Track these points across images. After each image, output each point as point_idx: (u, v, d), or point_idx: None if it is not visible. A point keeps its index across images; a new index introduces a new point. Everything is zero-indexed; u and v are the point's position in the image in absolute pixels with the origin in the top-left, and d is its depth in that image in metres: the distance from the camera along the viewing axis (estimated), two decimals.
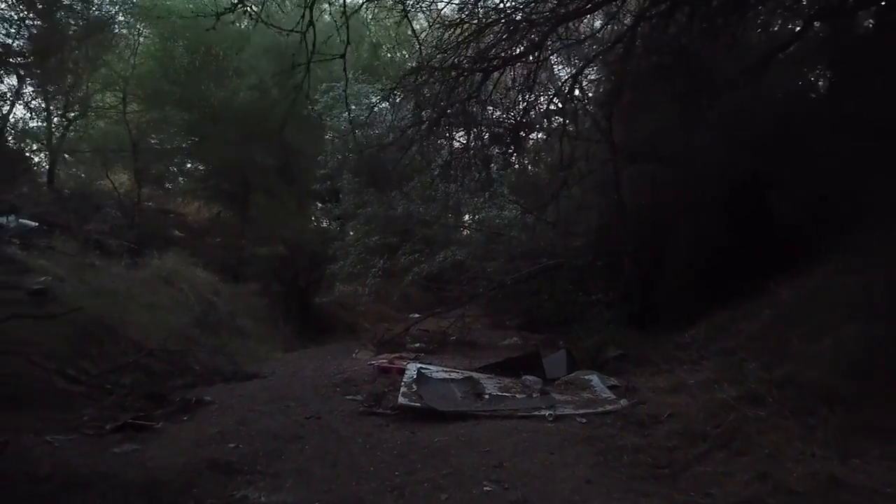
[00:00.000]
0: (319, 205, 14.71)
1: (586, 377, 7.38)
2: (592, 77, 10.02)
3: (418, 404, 6.03)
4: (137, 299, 9.67)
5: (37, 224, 10.62)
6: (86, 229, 11.39)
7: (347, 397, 7.01)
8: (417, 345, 11.25)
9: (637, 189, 9.09)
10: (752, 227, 7.88)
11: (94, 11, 13.21)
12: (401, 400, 6.10)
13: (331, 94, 11.19)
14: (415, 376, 6.89)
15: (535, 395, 6.64)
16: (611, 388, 7.01)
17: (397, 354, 10.13)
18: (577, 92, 8.69)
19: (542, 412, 6.01)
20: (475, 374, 7.41)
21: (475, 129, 8.93)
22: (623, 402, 6.19)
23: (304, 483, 4.23)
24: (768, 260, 7.60)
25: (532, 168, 14.12)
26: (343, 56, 4.88)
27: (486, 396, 6.52)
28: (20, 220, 10.53)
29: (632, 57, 7.43)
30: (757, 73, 7.33)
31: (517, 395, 6.65)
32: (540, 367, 7.54)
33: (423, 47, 7.97)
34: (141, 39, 14.58)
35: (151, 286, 10.37)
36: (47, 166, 14.31)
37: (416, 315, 15.94)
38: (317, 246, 13.24)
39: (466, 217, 12.71)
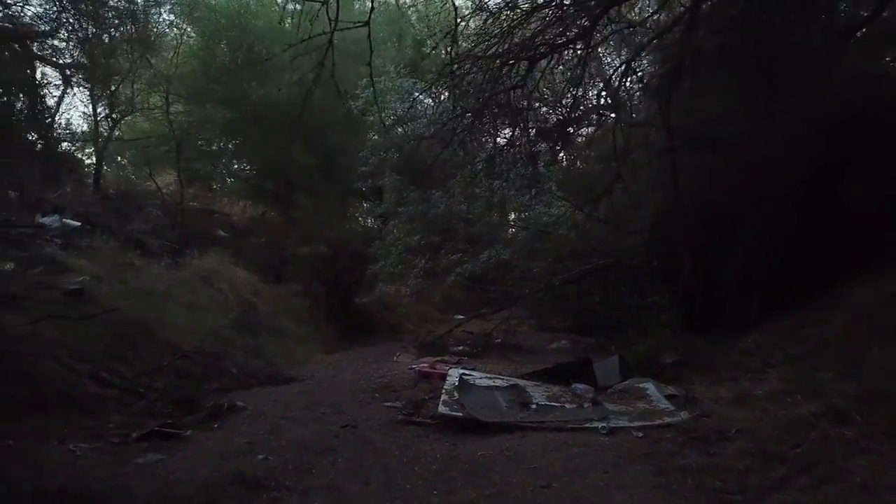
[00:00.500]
0: (365, 204, 14.44)
1: (641, 385, 6.88)
2: (645, 64, 9.42)
3: (460, 414, 5.66)
4: (176, 300, 9.59)
5: (79, 224, 10.66)
6: (128, 229, 11.41)
7: (386, 404, 6.70)
8: (460, 348, 10.88)
9: (696, 182, 8.50)
10: (822, 222, 7.22)
11: (139, 12, 13.30)
12: (441, 409, 5.74)
13: (371, 89, 10.89)
14: (457, 383, 6.52)
15: (586, 405, 6.19)
16: (668, 397, 6.49)
17: (439, 358, 9.79)
18: (630, 80, 8.15)
19: (595, 424, 5.56)
20: (521, 382, 6.99)
21: (520, 124, 8.49)
22: (683, 414, 5.67)
23: (334, 501, 3.91)
24: (840, 258, 6.98)
25: (581, 163, 13.52)
26: (367, 23, 4.49)
27: (533, 406, 6.11)
28: (63, 220, 10.58)
29: (692, 39, 6.89)
30: (832, 54, 6.69)
31: (566, 405, 6.21)
32: (591, 374, 7.07)
33: (466, 35, 7.59)
34: (184, 38, 14.61)
35: (190, 286, 10.29)
36: (94, 167, 14.46)
37: (460, 316, 15.62)
38: (359, 245, 13.02)
39: (512, 215, 12.25)
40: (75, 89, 13.37)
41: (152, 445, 4.82)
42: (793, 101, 7.03)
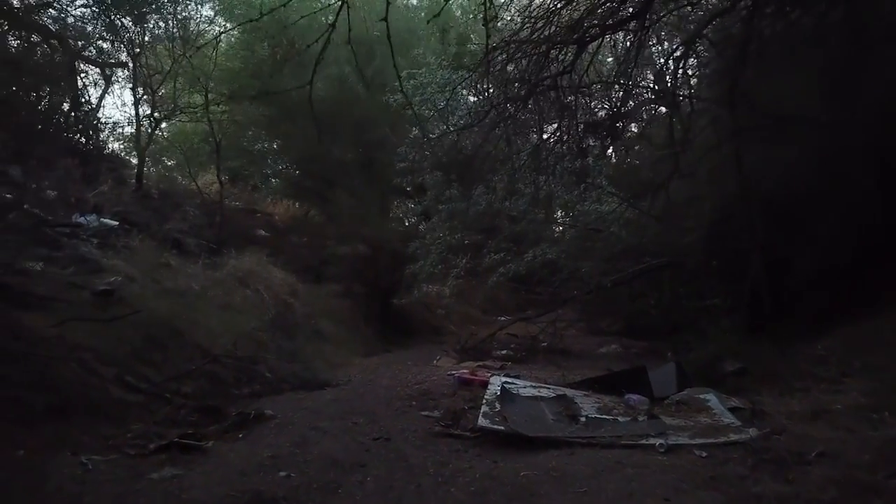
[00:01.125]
0: (408, 203, 14.01)
1: (702, 396, 6.31)
2: (703, 48, 8.75)
3: (502, 428, 5.21)
4: (210, 301, 9.41)
5: (117, 223, 10.60)
6: (165, 228, 11.32)
7: (423, 413, 6.31)
8: (504, 352, 10.43)
9: (763, 173, 7.82)
10: None
11: (180, 10, 13.33)
12: (481, 421, 5.31)
13: (412, 81, 10.54)
14: (498, 392, 6.07)
15: (641, 419, 5.66)
16: (732, 410, 5.91)
17: (481, 363, 9.37)
18: (688, 63, 7.54)
19: (651, 441, 5.03)
20: (569, 391, 6.49)
21: (567, 115, 7.97)
22: (753, 431, 5.09)
23: None
24: None
25: (634, 157, 12.82)
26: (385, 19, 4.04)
27: (583, 419, 5.60)
28: (101, 220, 10.55)
29: (760, 17, 6.27)
30: None
31: (619, 419, 5.68)
32: (646, 383, 6.51)
33: (508, 20, 7.13)
34: (223, 36, 14.53)
35: (226, 287, 10.11)
36: (136, 166, 14.52)
37: (504, 318, 15.15)
38: (399, 245, 12.67)
39: (559, 212, 11.67)
40: (117, 88, 13.39)
41: (170, 458, 4.52)
42: (875, 84, 6.32)
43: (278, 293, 10.68)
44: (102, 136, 13.32)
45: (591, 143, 9.95)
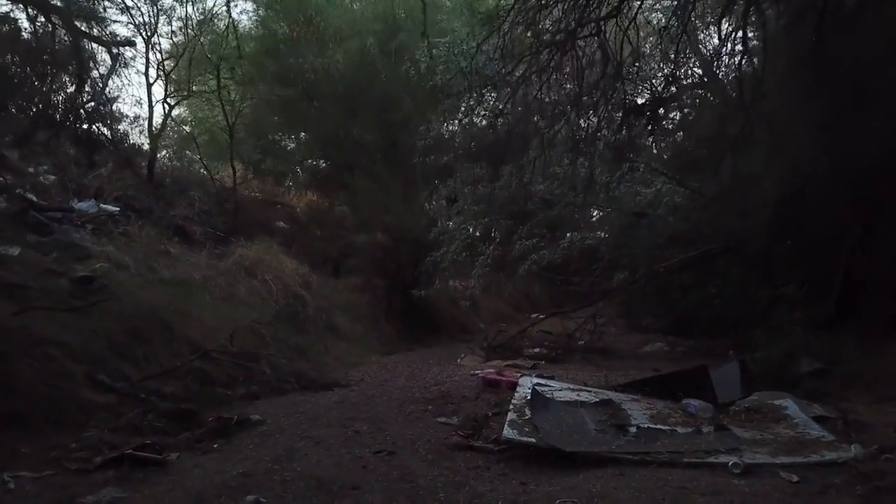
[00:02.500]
0: (432, 187, 12.84)
1: (777, 402, 5.29)
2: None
3: (532, 440, 4.24)
4: (212, 291, 8.66)
5: (118, 209, 9.90)
6: (170, 215, 10.60)
7: (439, 420, 5.39)
8: (536, 350, 9.42)
9: (836, 149, 6.67)
10: None
11: None
12: (507, 433, 4.34)
13: (435, 51, 9.53)
14: (529, 396, 5.07)
15: (706, 430, 4.62)
16: (817, 420, 4.87)
17: (510, 362, 8.40)
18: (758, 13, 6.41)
19: (723, 459, 4.01)
20: (614, 395, 5.46)
21: (611, 77, 6.94)
22: (856, 448, 4.03)
23: None
24: None
25: (682, 134, 11.56)
26: None
27: (633, 430, 4.59)
28: (101, 206, 9.86)
29: None
30: None
31: (678, 429, 4.65)
32: (708, 386, 5.45)
33: None
34: (239, 15, 13.89)
35: (231, 277, 9.33)
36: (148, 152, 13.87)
37: (536, 314, 14.15)
38: (423, 234, 11.69)
39: (600, 195, 10.48)
40: (128, 71, 12.76)
41: (118, 476, 3.68)
42: None
43: (289, 285, 9.85)
44: (111, 120, 12.53)
45: (635, 120, 8.84)
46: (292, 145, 15.27)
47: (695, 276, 8.64)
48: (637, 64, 7.16)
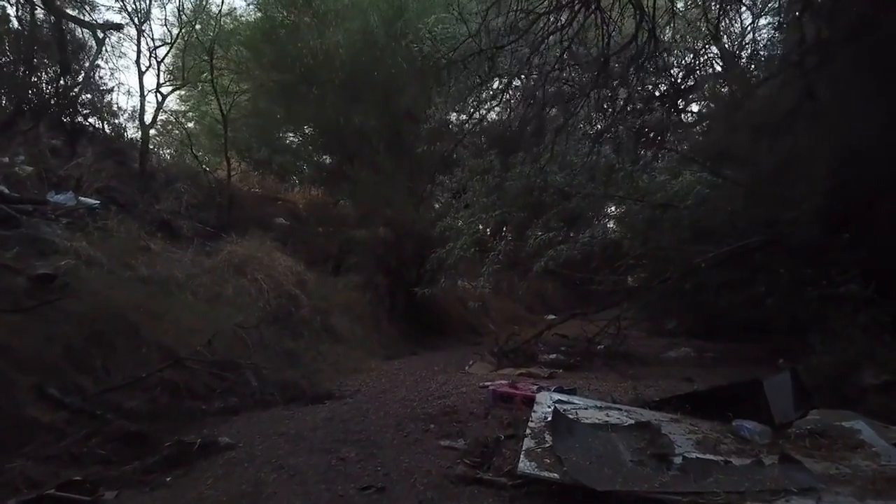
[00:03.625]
0: (438, 178, 11.87)
1: (847, 425, 4.43)
2: None
3: (555, 475, 3.42)
4: (195, 291, 7.91)
5: (98, 202, 9.17)
6: (156, 209, 9.85)
7: (442, 443, 4.59)
8: (552, 356, 8.58)
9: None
10: None
11: None
12: (523, 466, 3.53)
13: (440, 27, 8.72)
14: (549, 417, 4.22)
15: (767, 461, 3.77)
16: None
17: (523, 370, 7.59)
18: None
19: (795, 501, 3.19)
20: (651, 415, 4.60)
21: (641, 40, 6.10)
22: None
23: None
24: None
25: (716, 114, 10.59)
26: None
27: (678, 460, 3.74)
28: (80, 198, 9.13)
29: None
30: None
31: (733, 460, 3.80)
32: (763, 404, 4.57)
33: None
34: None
35: (218, 275, 8.58)
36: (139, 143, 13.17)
37: (552, 317, 13.33)
38: (428, 228, 10.82)
39: (624, 185, 9.53)
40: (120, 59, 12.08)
41: None
42: None
43: (281, 283, 9.08)
44: (97, 108, 11.79)
45: (666, 101, 7.98)
46: (291, 136, 14.47)
47: (728, 273, 7.75)
48: (673, 25, 6.25)
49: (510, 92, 8.43)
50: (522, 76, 6.67)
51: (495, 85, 7.59)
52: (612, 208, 8.86)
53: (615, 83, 6.33)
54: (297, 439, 4.69)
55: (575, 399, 4.75)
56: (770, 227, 7.37)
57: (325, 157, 14.45)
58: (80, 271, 6.66)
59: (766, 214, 7.48)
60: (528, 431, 3.99)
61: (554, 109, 6.94)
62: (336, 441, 4.63)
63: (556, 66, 5.78)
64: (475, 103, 9.11)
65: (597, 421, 4.26)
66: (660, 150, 8.25)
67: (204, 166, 12.43)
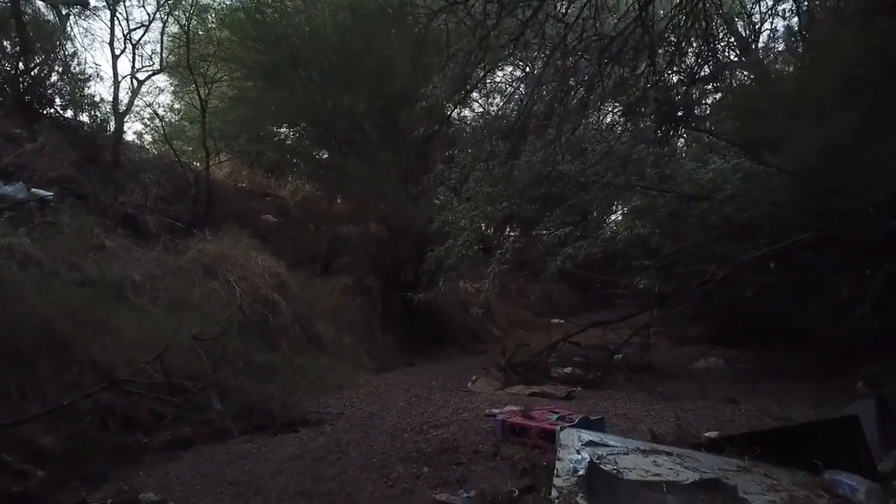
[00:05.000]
0: (437, 169, 10.54)
1: None
2: None
3: None
4: (155, 296, 6.87)
5: (51, 194, 8.13)
6: (119, 202, 8.80)
7: (438, 496, 3.55)
8: (567, 370, 7.51)
9: None
10: None
11: None
12: None
13: None
14: (583, 469, 3.14)
15: None
16: None
17: (535, 388, 6.54)
18: None
19: None
20: (712, 462, 3.52)
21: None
22: None
23: None
24: None
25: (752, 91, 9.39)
26: None
27: None
28: (32, 190, 8.11)
29: None
30: None
31: None
32: (861, 448, 3.51)
33: None
34: None
35: (185, 277, 7.56)
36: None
37: (558, 320, 12.34)
38: (427, 223, 9.64)
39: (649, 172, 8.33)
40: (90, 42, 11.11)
41: None
42: None
43: (258, 287, 8.03)
44: (59, 91, 10.74)
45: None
46: (278, 126, 13.35)
47: (773, 274, 6.68)
48: None
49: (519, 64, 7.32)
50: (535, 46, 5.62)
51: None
52: (636, 201, 7.69)
53: (643, 53, 5.28)
54: (247, 489, 3.66)
55: (609, 439, 3.69)
56: (822, 222, 6.31)
57: (313, 146, 13.36)
58: (8, 273, 5.64)
59: (816, 207, 6.41)
60: (554, 494, 2.92)
61: (572, 83, 5.90)
62: (300, 494, 3.59)
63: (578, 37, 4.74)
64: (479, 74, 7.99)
65: (644, 474, 3.19)
66: (689, 130, 7.14)
67: (178, 155, 11.33)
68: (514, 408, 5.02)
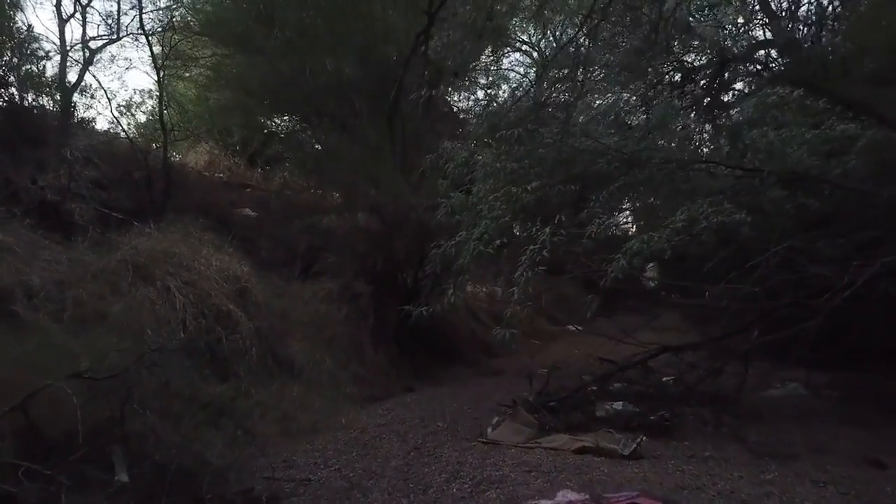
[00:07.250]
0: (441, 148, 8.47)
1: None
2: None
3: None
4: (60, 309, 5.10)
5: None
6: (37, 186, 7.02)
7: None
8: (619, 406, 5.67)
9: None
10: None
11: None
12: None
13: None
14: None
15: None
16: None
17: (584, 439, 4.74)
18: None
19: None
20: None
21: None
22: None
23: None
24: None
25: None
26: None
27: None
28: None
29: None
30: None
31: None
32: None
33: None
34: None
35: (110, 282, 5.77)
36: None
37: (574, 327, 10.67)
38: (429, 214, 7.76)
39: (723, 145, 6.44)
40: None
41: None
42: None
43: (209, 295, 6.21)
44: None
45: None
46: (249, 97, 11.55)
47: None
48: None
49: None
50: None
51: None
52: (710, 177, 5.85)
53: None
54: None
55: None
56: None
57: (292, 124, 11.63)
58: None
59: None
60: None
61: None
62: None
63: None
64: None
65: None
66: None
67: (126, 132, 9.58)
68: (575, 496, 3.22)
